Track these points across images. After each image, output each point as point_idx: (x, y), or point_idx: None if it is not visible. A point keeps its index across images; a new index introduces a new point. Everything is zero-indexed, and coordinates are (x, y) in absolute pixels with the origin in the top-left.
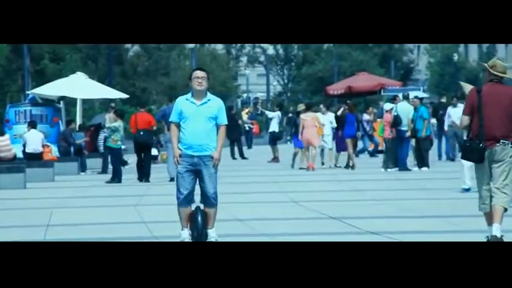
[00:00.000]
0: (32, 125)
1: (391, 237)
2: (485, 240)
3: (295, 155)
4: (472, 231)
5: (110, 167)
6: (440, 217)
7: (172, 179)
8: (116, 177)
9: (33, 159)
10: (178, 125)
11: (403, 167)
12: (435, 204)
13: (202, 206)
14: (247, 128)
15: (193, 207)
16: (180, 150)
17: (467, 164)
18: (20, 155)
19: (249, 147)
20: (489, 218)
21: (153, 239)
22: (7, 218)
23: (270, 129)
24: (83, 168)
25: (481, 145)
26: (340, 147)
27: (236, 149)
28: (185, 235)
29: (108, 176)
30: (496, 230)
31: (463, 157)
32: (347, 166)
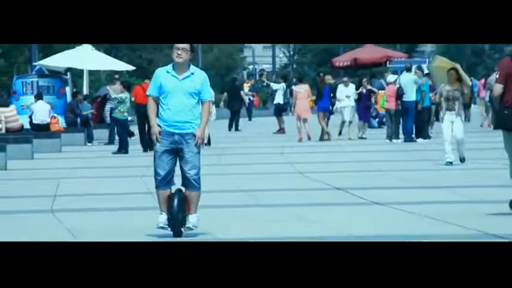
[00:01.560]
0: (39, 96)
1: (395, 207)
2: (509, 203)
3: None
4: (477, 201)
5: (117, 138)
6: (445, 187)
7: None
8: (123, 148)
9: (40, 130)
10: (157, 100)
11: (409, 138)
12: (440, 175)
13: (184, 189)
14: (247, 100)
15: (173, 190)
16: (160, 127)
17: (448, 138)
18: (27, 126)
19: (250, 119)
20: None
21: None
22: (15, 188)
23: (275, 101)
24: (89, 139)
25: None
26: (363, 117)
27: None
28: (162, 220)
29: (115, 147)
30: None
31: (499, 126)
32: (321, 139)
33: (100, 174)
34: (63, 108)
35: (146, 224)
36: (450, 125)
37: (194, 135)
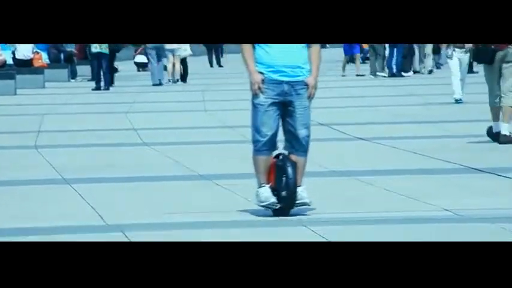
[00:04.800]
0: None
1: (380, 142)
2: (486, 130)
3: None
4: (463, 136)
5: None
6: (431, 122)
7: (155, 85)
8: (106, 84)
9: (23, 66)
10: None
11: (397, 73)
12: (426, 110)
13: (287, 153)
14: None
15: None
16: (262, 74)
17: (457, 74)
18: (10, 61)
19: (221, 54)
20: (496, 113)
21: (144, 145)
22: None
23: None
24: (73, 75)
25: (492, 47)
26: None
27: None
28: (267, 194)
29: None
30: (505, 129)
31: (474, 59)
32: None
33: (84, 110)
34: (46, 44)
35: (134, 161)
36: (458, 62)
37: (306, 84)
